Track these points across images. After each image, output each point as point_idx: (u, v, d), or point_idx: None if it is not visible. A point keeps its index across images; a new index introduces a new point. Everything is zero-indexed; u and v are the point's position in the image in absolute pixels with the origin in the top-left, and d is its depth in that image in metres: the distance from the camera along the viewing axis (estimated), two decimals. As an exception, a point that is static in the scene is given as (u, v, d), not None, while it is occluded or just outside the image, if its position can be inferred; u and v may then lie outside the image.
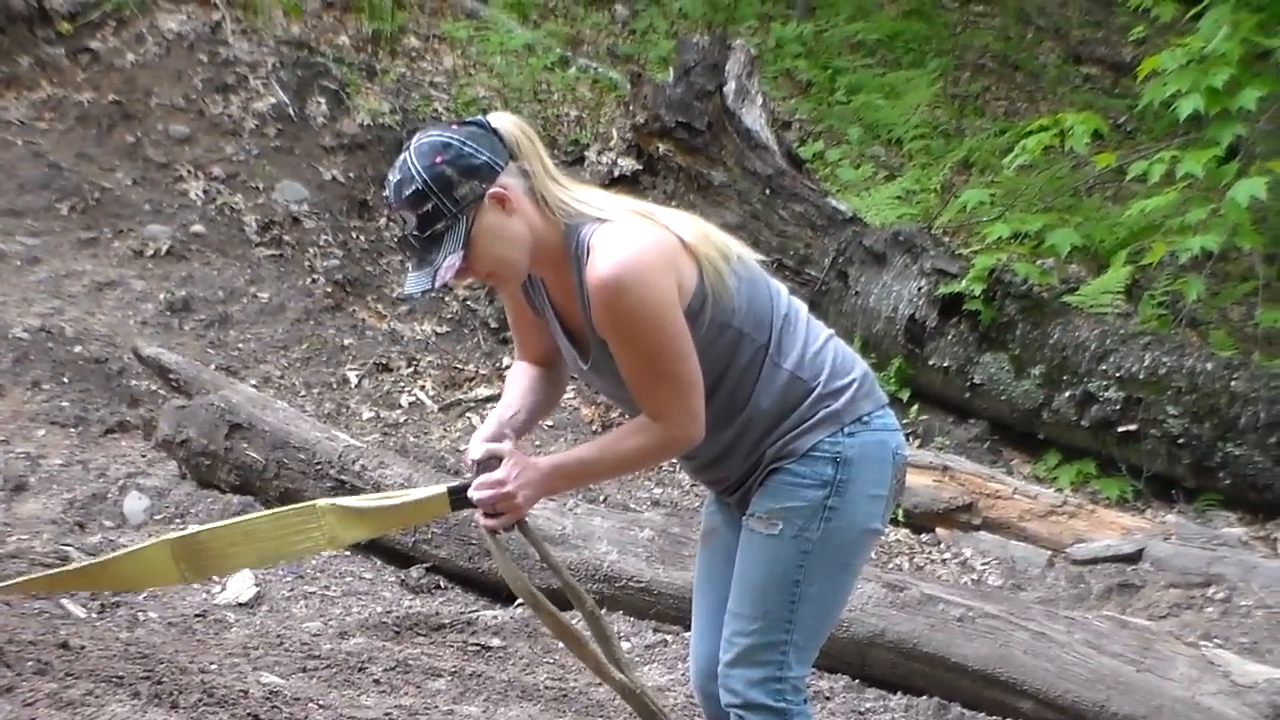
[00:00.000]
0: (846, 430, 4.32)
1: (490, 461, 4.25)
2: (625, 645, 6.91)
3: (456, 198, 4.02)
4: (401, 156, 4.09)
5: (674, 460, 4.83)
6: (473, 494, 4.27)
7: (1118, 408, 9.64)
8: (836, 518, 4.31)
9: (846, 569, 4.43)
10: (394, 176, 4.09)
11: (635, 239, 4.05)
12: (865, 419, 4.35)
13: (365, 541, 7.25)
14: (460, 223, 4.04)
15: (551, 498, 7.35)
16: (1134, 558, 8.37)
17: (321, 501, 4.62)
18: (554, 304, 4.30)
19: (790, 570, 4.32)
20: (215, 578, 6.88)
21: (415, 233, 4.06)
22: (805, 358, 4.32)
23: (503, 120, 4.16)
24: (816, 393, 4.30)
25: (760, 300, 4.27)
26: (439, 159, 4.03)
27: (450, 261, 4.04)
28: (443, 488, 4.42)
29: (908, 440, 5.70)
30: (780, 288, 4.39)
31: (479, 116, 4.18)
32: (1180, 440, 9.47)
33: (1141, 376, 9.62)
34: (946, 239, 11.62)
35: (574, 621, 6.68)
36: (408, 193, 4.04)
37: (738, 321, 4.21)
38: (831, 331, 4.48)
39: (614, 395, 4.42)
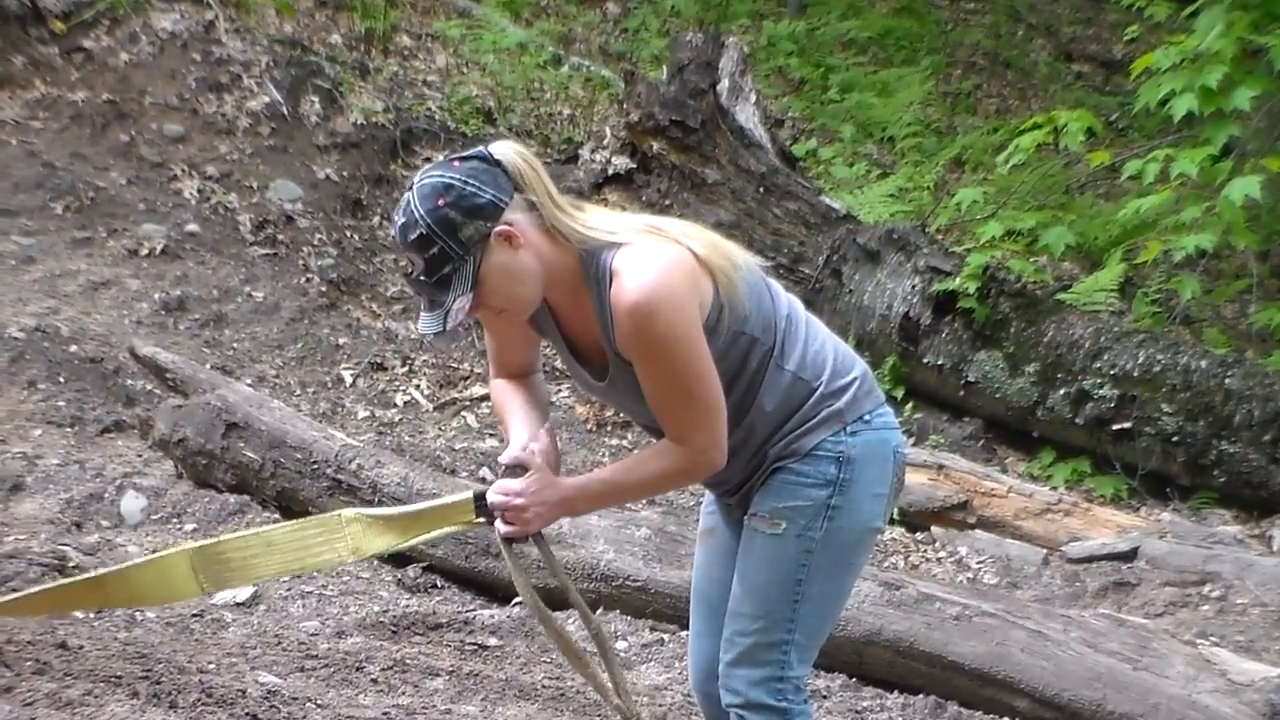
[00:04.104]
0: (849, 429, 4.33)
1: (516, 469, 4.25)
2: (622, 644, 6.93)
3: (462, 240, 4.00)
4: (405, 198, 4.06)
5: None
6: (489, 497, 4.27)
7: (1112, 405, 9.66)
8: (839, 517, 4.32)
9: (848, 568, 4.44)
10: (399, 219, 4.06)
11: (659, 261, 4.04)
12: (867, 417, 4.37)
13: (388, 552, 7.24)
14: (467, 264, 4.01)
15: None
16: (1129, 556, 8.39)
17: (347, 511, 4.59)
18: (562, 326, 4.31)
19: (793, 569, 4.32)
20: (233, 589, 6.87)
21: (423, 276, 4.04)
22: (806, 358, 4.32)
23: (505, 150, 4.11)
24: (819, 392, 4.31)
25: (765, 304, 4.28)
26: (441, 201, 4.00)
27: (460, 304, 4.02)
28: (468, 493, 4.40)
29: (903, 439, 5.72)
30: (779, 289, 4.39)
31: (481, 149, 4.12)
32: (1175, 438, 9.50)
33: (1136, 374, 9.64)
34: (940, 237, 11.64)
35: (573, 621, 6.69)
36: (412, 237, 4.01)
37: (749, 328, 4.21)
38: (829, 331, 4.49)
39: (631, 411, 4.40)
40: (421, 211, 4.00)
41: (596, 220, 4.15)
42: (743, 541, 4.42)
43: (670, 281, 4.03)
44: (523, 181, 4.09)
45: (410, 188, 4.07)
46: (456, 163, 4.09)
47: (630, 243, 4.09)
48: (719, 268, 4.14)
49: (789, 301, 4.40)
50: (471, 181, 4.03)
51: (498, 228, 4.02)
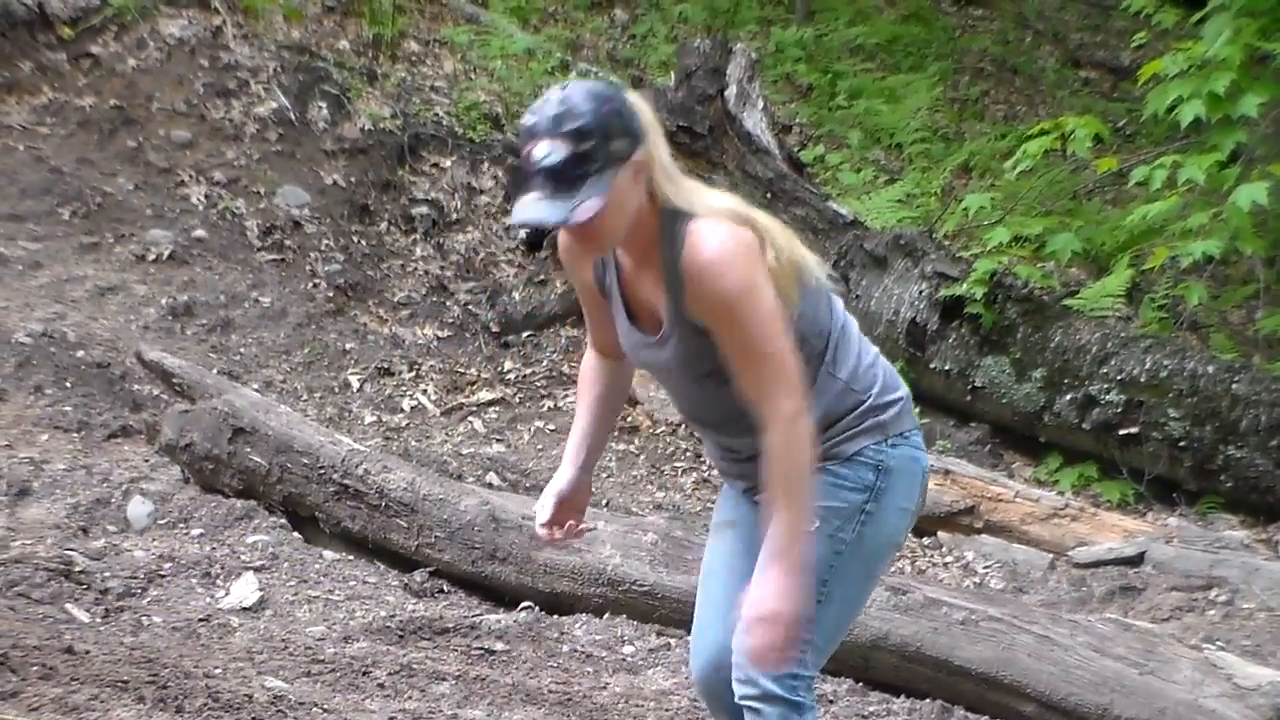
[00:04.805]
0: (890, 441, 4.40)
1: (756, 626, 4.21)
2: (629, 649, 6.93)
3: (611, 150, 4.01)
4: (564, 93, 4.06)
5: (701, 460, 4.72)
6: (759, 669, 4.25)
7: (1119, 411, 9.66)
8: (871, 523, 4.37)
9: (869, 577, 4.50)
10: (552, 109, 4.03)
11: (734, 232, 4.10)
12: (906, 434, 4.45)
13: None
14: (607, 174, 4.02)
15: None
16: (1136, 560, 8.39)
17: None
18: (623, 283, 4.34)
19: (821, 569, 4.32)
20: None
21: (562, 166, 4.00)
22: (858, 371, 4.40)
23: (642, 104, 4.18)
24: (867, 404, 4.38)
25: (821, 311, 4.34)
26: (607, 107, 4.03)
27: (591, 204, 4.01)
28: None
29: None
30: (838, 302, 4.47)
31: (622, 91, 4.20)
32: (1182, 443, 9.49)
33: (1143, 380, 9.64)
34: (947, 243, 11.64)
35: (579, 626, 6.71)
36: (570, 127, 3.99)
37: (802, 326, 4.25)
38: (878, 350, 4.56)
39: (674, 380, 4.43)
40: (589, 107, 4.02)
41: (690, 192, 4.19)
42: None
43: (742, 246, 4.10)
44: (647, 136, 4.13)
45: (565, 86, 4.09)
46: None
47: (713, 217, 4.14)
48: (777, 273, 4.18)
49: (845, 316, 4.47)
50: (628, 105, 4.09)
51: (637, 156, 4.07)
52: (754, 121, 11.21)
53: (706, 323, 4.14)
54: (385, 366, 10.16)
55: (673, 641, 7.01)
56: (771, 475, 4.19)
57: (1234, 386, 9.49)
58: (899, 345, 10.17)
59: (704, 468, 9.45)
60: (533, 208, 4.04)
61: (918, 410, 9.78)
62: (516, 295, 10.90)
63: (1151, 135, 13.95)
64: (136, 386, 9.10)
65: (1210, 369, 9.60)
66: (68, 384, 8.85)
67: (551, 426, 9.80)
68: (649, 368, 4.47)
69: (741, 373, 4.18)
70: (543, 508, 4.57)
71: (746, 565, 4.47)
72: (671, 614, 7.15)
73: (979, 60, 17.01)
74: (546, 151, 4.02)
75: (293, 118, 11.72)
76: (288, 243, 10.95)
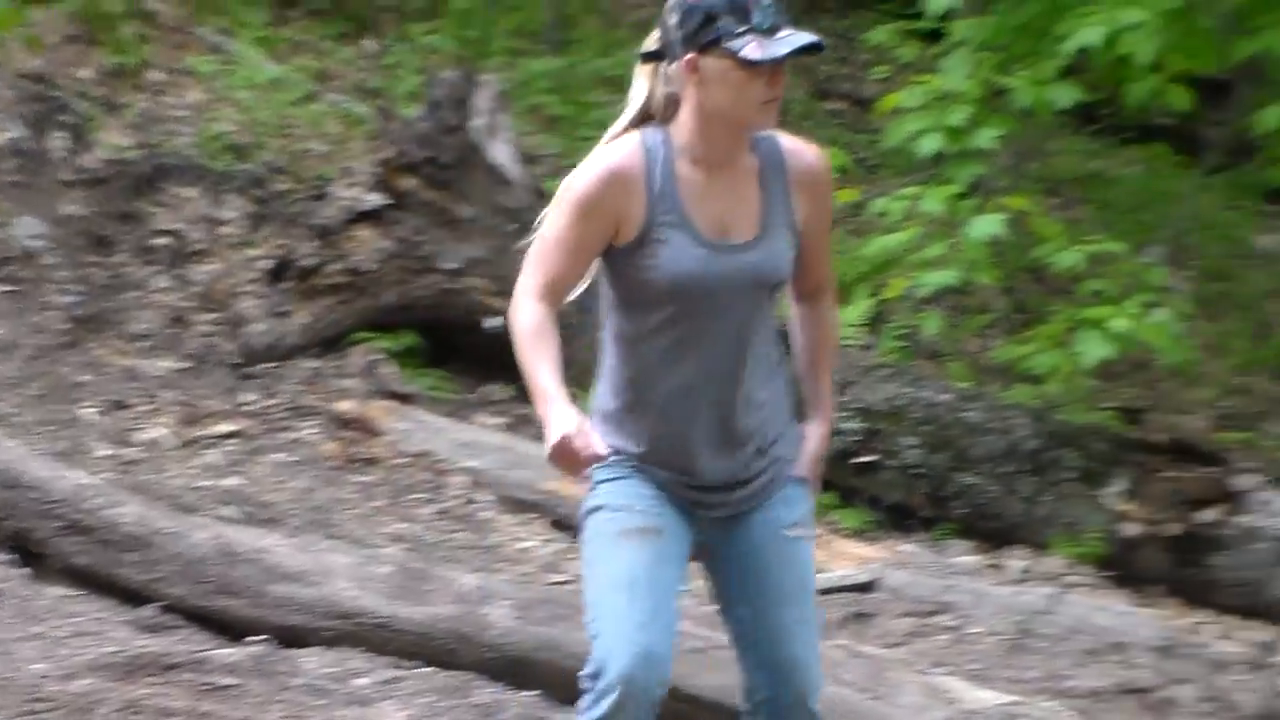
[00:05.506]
0: None
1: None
2: (360, 682, 6.87)
3: None
4: None
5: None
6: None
7: (859, 439, 9.76)
8: None
9: None
10: None
11: None
12: None
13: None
14: None
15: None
16: (868, 587, 8.50)
17: None
18: (683, 201, 4.40)
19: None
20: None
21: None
22: None
23: None
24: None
25: None
26: None
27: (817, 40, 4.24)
28: None
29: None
30: None
31: None
32: (917, 470, 9.62)
33: (881, 408, 9.76)
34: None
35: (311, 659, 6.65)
36: None
37: None
38: None
39: (736, 300, 4.47)
40: None
41: None
42: (785, 552, 4.65)
43: None
44: None
45: None
46: None
47: None
48: None
49: None
50: None
51: None
52: (501, 153, 11.21)
53: (815, 213, 4.50)
54: (121, 399, 9.99)
55: (404, 674, 6.97)
56: (827, 339, 4.80)
57: (967, 414, 9.65)
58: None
59: (444, 498, 9.40)
60: (801, 35, 4.21)
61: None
62: (258, 327, 10.78)
63: (894, 167, 14.16)
64: None
65: (945, 397, 9.76)
66: None
67: (294, 458, 9.70)
68: (715, 285, 4.40)
69: (823, 252, 4.62)
70: (593, 436, 4.37)
71: (674, 572, 4.64)
72: (407, 646, 7.11)
73: (728, 92, 17.14)
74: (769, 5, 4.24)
75: (29, 148, 11.52)
76: (22, 274, 10.74)
